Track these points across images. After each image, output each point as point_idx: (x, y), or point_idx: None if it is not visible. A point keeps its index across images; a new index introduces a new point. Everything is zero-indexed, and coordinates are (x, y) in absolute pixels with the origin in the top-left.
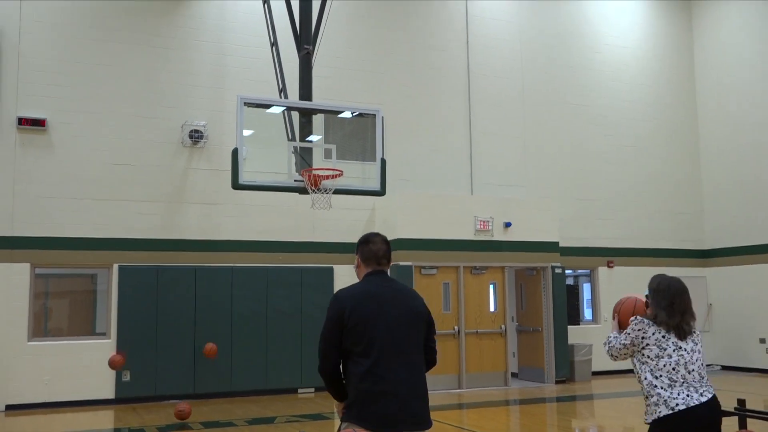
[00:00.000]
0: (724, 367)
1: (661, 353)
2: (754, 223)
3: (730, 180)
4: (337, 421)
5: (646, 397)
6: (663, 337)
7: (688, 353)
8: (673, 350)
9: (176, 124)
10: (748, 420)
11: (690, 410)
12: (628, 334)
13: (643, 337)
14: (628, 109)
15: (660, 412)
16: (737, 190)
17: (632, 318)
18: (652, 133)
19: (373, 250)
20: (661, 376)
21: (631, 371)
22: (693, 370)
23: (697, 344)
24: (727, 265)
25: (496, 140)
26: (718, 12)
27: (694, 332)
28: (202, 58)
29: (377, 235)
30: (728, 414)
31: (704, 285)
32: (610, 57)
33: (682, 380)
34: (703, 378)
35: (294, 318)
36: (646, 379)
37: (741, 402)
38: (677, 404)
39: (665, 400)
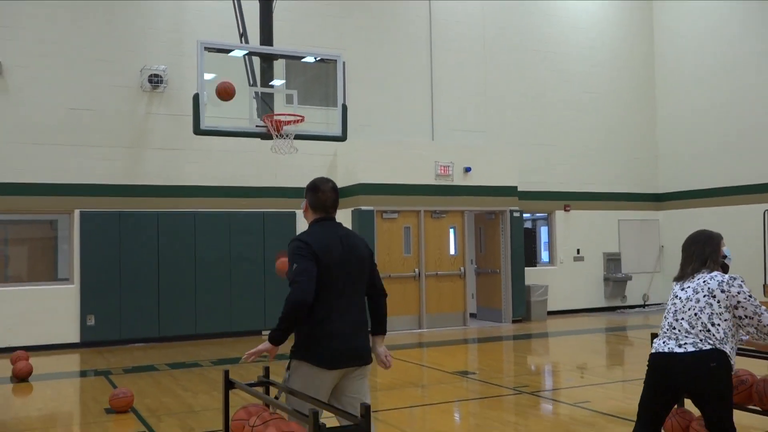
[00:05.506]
0: None
1: (669, 301)
2: (705, 168)
3: (683, 126)
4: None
5: None
6: (674, 286)
7: (681, 301)
8: (671, 298)
9: (135, 68)
10: None
11: (657, 355)
12: None
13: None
14: (587, 57)
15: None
16: (690, 136)
17: None
18: (609, 81)
19: (321, 199)
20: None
21: (582, 311)
22: (681, 319)
23: (698, 293)
24: (679, 208)
25: (457, 87)
26: None
27: (707, 281)
28: (162, 2)
29: (327, 182)
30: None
31: (657, 227)
32: (570, 4)
33: (667, 327)
34: (694, 328)
35: (257, 263)
36: None
37: None
38: (654, 348)
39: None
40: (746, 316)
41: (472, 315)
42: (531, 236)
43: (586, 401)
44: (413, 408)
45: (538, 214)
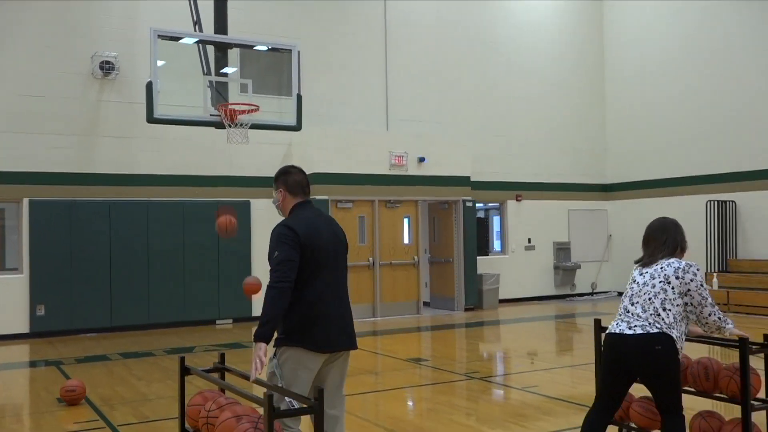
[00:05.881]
0: (620, 293)
1: (627, 284)
2: (651, 160)
3: (631, 120)
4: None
5: None
6: (634, 270)
7: (638, 286)
8: (629, 282)
9: (86, 54)
10: None
11: (609, 336)
12: None
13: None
14: (539, 51)
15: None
16: (637, 129)
17: None
18: (561, 75)
19: (296, 179)
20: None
21: (533, 299)
22: (636, 303)
23: (654, 278)
24: (626, 198)
25: (411, 77)
26: None
27: (664, 267)
28: None
29: (293, 166)
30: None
31: (605, 217)
32: None
33: (623, 310)
34: (645, 312)
35: (211, 252)
36: None
37: None
38: (609, 329)
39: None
40: (691, 304)
41: (426, 303)
42: (483, 226)
43: (535, 386)
44: (366, 394)
45: (490, 204)
